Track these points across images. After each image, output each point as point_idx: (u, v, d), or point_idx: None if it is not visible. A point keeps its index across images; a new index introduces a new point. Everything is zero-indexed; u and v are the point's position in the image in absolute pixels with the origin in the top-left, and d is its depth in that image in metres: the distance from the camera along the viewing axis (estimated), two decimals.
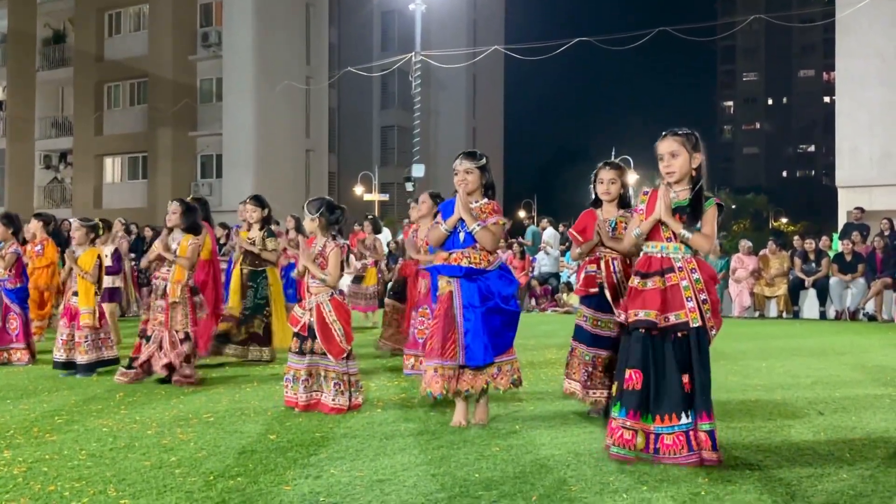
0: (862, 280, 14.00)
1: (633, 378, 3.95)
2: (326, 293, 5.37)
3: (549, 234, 17.30)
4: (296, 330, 5.43)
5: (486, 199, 4.90)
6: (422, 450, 4.24)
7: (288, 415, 5.20)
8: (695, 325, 3.92)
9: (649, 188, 4.24)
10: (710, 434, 3.87)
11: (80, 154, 33.66)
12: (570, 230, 5.40)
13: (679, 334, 3.93)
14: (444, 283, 4.88)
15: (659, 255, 4.03)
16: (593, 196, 5.28)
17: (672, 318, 3.92)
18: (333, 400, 5.26)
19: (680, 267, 3.98)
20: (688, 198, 4.02)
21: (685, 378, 3.91)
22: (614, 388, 4.13)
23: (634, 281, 4.07)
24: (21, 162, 34.46)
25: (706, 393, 3.92)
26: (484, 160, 4.95)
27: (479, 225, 4.75)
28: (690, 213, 3.98)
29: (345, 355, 5.34)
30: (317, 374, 5.33)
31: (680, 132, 4.05)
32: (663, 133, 4.08)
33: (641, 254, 4.13)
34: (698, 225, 3.97)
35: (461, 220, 4.80)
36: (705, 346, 3.98)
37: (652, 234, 4.07)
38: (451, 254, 4.84)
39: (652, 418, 3.92)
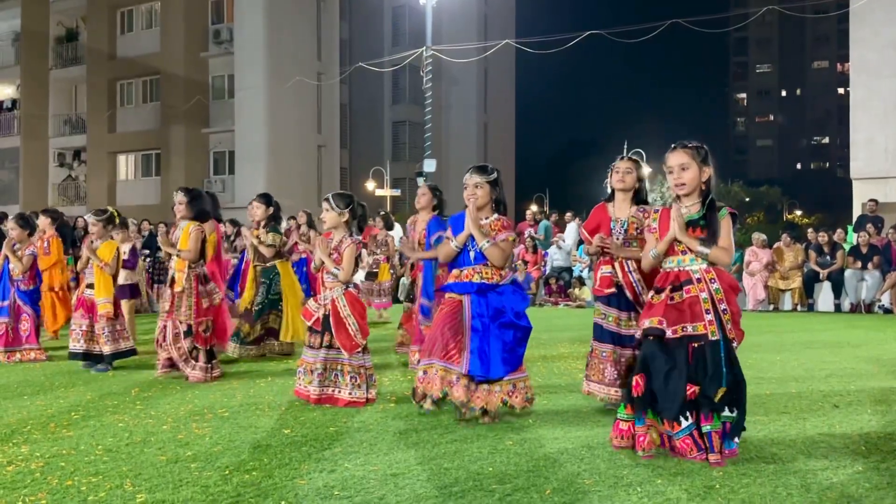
0: (877, 272, 13.91)
1: (638, 384, 3.96)
2: (341, 287, 5.40)
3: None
4: (309, 324, 5.46)
5: (496, 216, 4.82)
6: (435, 444, 4.25)
7: (302, 409, 5.22)
8: (713, 339, 3.87)
9: (659, 203, 4.24)
10: (712, 436, 3.81)
11: (93, 151, 33.86)
12: (581, 228, 5.37)
13: (695, 344, 3.91)
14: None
15: (676, 270, 4.02)
16: (609, 191, 5.25)
17: (690, 329, 3.90)
18: (350, 394, 5.28)
19: (699, 279, 3.96)
20: (699, 211, 4.00)
21: (691, 387, 3.86)
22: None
23: (653, 297, 4.07)
24: (35, 160, 34.70)
25: (709, 400, 3.83)
26: (495, 174, 4.83)
27: (488, 242, 4.69)
28: (705, 226, 3.96)
29: (359, 350, 5.36)
30: (332, 369, 5.34)
31: (689, 145, 4.03)
32: (672, 145, 4.07)
33: (661, 270, 4.12)
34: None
35: (471, 236, 4.75)
36: (728, 356, 3.88)
37: (668, 250, 4.05)
38: (461, 271, 4.79)
39: (661, 421, 3.94)
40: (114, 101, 33.69)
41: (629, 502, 3.27)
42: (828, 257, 14.51)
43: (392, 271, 12.33)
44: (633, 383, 3.98)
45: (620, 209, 5.13)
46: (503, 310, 4.67)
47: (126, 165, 34.24)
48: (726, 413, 3.87)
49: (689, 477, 3.60)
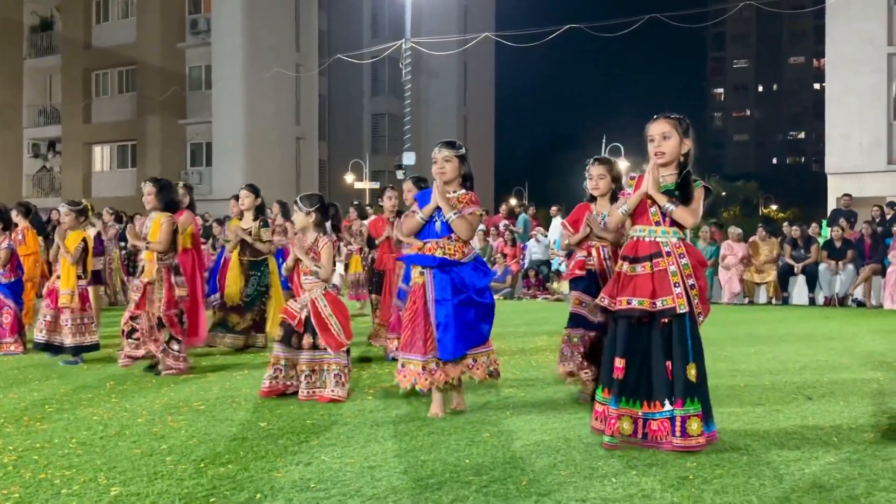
0: (851, 266, 14.08)
1: (619, 368, 3.96)
2: (320, 287, 5.37)
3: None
4: (290, 323, 5.40)
5: (463, 190, 4.83)
6: (412, 436, 4.25)
7: (279, 403, 5.20)
8: (682, 311, 3.92)
9: (637, 174, 4.25)
10: (676, 420, 3.85)
11: (68, 142, 33.48)
12: (563, 221, 5.44)
13: (666, 320, 3.94)
14: (416, 273, 4.82)
15: (647, 239, 4.03)
16: (588, 192, 5.31)
17: (659, 304, 3.92)
18: (332, 391, 5.24)
19: (668, 252, 3.98)
20: (675, 181, 4.03)
21: (669, 365, 3.92)
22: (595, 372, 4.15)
23: (623, 266, 4.05)
24: (9, 150, 34.25)
25: (681, 380, 3.87)
26: (463, 150, 4.86)
27: (455, 214, 4.68)
28: (679, 195, 3.99)
29: (345, 349, 5.35)
30: (320, 370, 5.30)
31: (672, 115, 4.06)
32: (655, 116, 4.08)
33: (628, 237, 4.14)
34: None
35: (438, 208, 4.74)
36: (694, 331, 3.96)
37: (640, 218, 4.06)
38: (425, 243, 4.78)
39: (640, 404, 3.95)
40: (89, 91, 33.32)
41: (604, 493, 3.29)
42: (802, 251, 14.67)
43: (365, 263, 12.25)
44: (616, 366, 3.98)
45: (602, 207, 5.23)
46: (463, 288, 4.69)
47: (101, 156, 33.89)
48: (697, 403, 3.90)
49: (663, 468, 3.63)
